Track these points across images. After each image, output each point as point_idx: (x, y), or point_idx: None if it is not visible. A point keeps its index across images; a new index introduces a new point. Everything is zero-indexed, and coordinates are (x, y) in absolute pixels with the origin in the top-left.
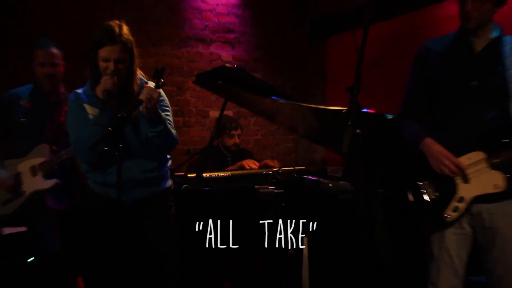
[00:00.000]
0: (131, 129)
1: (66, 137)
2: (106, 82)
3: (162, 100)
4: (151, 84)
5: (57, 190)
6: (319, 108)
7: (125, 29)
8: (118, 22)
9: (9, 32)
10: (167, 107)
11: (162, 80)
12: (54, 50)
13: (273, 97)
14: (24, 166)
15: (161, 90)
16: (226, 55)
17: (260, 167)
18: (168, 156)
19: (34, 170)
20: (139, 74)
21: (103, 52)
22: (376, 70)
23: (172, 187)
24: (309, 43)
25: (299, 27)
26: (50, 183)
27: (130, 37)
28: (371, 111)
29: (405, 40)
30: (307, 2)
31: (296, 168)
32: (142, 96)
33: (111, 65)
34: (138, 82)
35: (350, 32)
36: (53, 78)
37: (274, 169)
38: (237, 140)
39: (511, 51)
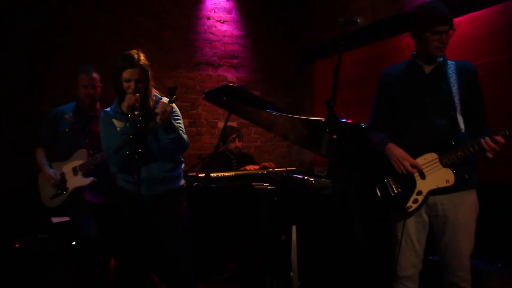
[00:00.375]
0: (152, 136)
1: (100, 143)
2: (130, 99)
3: (174, 112)
4: (165, 99)
5: (94, 187)
6: (305, 118)
7: (142, 56)
8: (136, 51)
9: (58, 61)
10: (178, 116)
11: (174, 97)
12: (95, 75)
13: (268, 110)
14: (67, 167)
15: (174, 104)
16: (231, 76)
17: (260, 168)
18: (182, 159)
19: (75, 170)
20: (154, 92)
21: (126, 74)
22: (353, 87)
23: (185, 185)
24: (299, 66)
25: (290, 54)
26: (88, 180)
27: (146, 62)
28: (348, 120)
29: (375, 63)
30: (297, 34)
31: (287, 168)
32: (158, 110)
33: (132, 85)
34: (154, 98)
35: (330, 57)
36: (93, 97)
37: (270, 169)
38: (238, 144)
39: (452, 72)
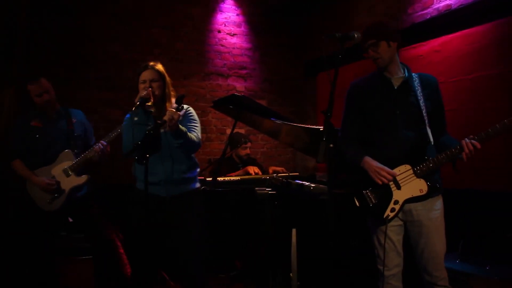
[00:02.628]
0: (165, 140)
1: (79, 140)
2: (141, 92)
3: (191, 114)
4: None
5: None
6: (307, 127)
7: (159, 64)
8: (154, 62)
9: (77, 69)
10: (194, 120)
11: (182, 105)
12: (43, 81)
13: (272, 119)
14: (56, 170)
15: (190, 107)
16: (239, 86)
17: (272, 172)
18: (197, 163)
19: (66, 172)
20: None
21: (141, 77)
22: None
23: (200, 188)
24: (304, 78)
25: (296, 66)
26: (84, 179)
27: (163, 69)
28: None
29: None
30: (302, 47)
31: (290, 174)
32: (165, 117)
33: (146, 84)
34: (173, 104)
35: (332, 70)
36: (49, 102)
37: (274, 174)
38: (248, 151)
39: (418, 85)
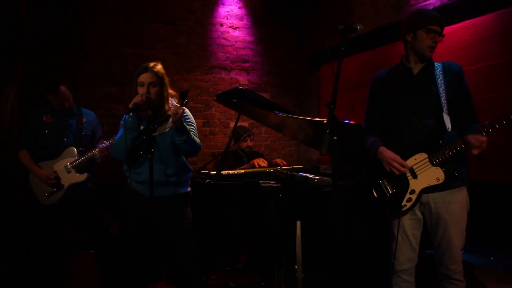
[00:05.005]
0: (162, 138)
1: (86, 140)
2: (136, 98)
3: (188, 117)
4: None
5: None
6: (310, 119)
7: (159, 65)
8: (155, 62)
9: (80, 64)
10: (191, 122)
11: (186, 100)
12: (62, 89)
13: (275, 111)
14: (58, 165)
15: (186, 109)
16: (242, 79)
17: (273, 164)
18: (190, 168)
19: (67, 168)
20: (172, 100)
21: (140, 78)
22: (359, 89)
23: (190, 192)
24: (307, 70)
25: (299, 58)
26: (84, 176)
27: (162, 71)
28: (351, 122)
29: (380, 66)
30: (304, 40)
31: (294, 166)
32: (170, 112)
33: (144, 88)
34: (171, 105)
35: (331, 63)
36: (64, 109)
37: (277, 167)
38: (249, 143)
39: (439, 73)
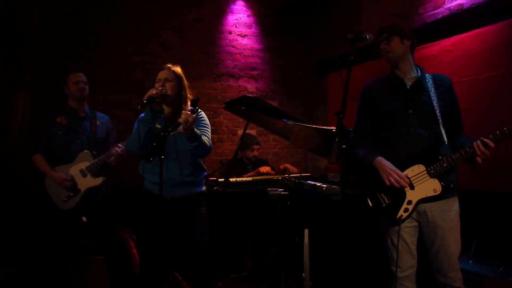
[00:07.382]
0: (172, 141)
1: (100, 143)
2: (150, 91)
3: (202, 119)
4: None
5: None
6: (318, 127)
7: (177, 66)
8: (174, 65)
9: (88, 71)
10: (206, 124)
11: (197, 108)
12: (83, 75)
13: (284, 119)
14: (74, 169)
15: (201, 112)
16: (250, 87)
17: (281, 170)
18: (205, 167)
19: (83, 172)
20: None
21: (157, 76)
22: None
23: (206, 191)
24: (314, 78)
25: (306, 66)
26: (100, 180)
27: (180, 71)
28: None
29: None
30: (312, 48)
31: (302, 174)
32: (180, 120)
33: (160, 83)
34: (183, 113)
35: (343, 70)
36: (83, 92)
37: (285, 175)
38: (256, 153)
39: (431, 86)
